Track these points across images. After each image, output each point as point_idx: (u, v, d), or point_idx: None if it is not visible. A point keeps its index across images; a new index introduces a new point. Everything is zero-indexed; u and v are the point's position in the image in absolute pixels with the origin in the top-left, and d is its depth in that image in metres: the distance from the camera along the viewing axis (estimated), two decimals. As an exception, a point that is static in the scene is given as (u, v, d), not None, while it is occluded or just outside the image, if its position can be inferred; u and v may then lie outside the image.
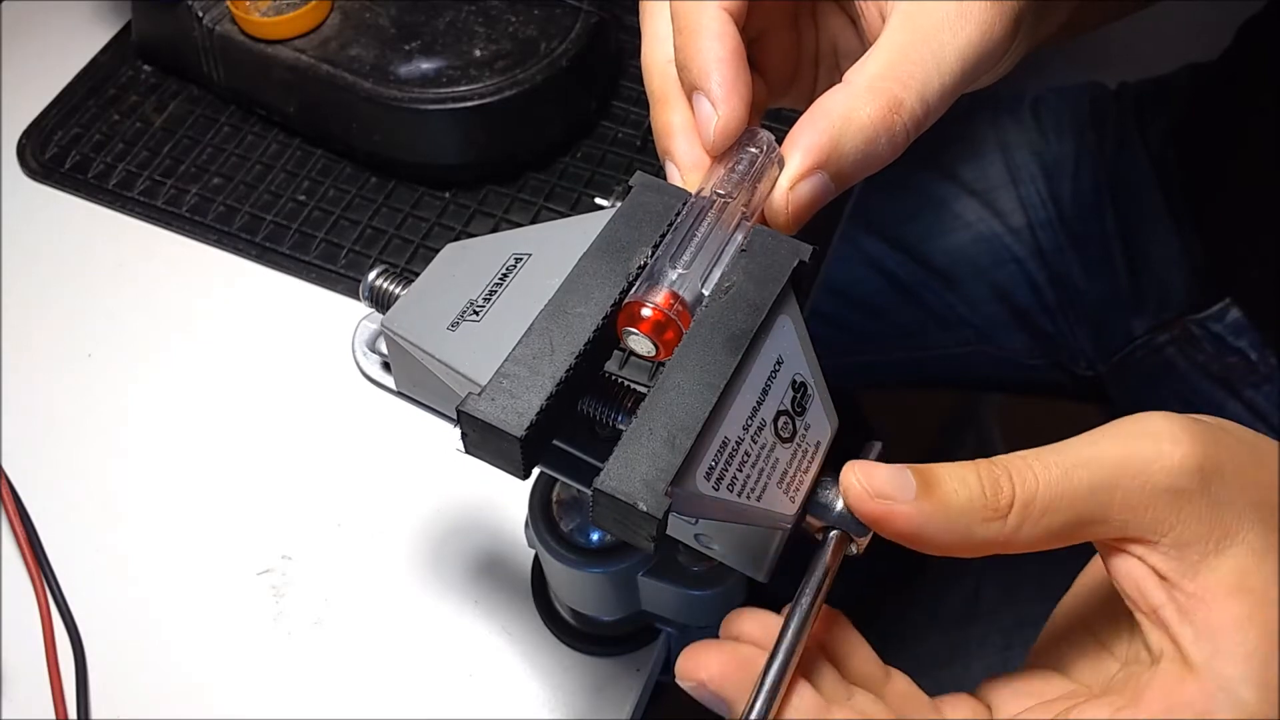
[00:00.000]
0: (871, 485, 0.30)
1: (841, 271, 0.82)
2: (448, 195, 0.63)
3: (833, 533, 0.32)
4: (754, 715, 0.30)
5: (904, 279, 0.82)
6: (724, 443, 0.30)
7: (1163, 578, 0.31)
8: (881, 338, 0.84)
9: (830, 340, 0.85)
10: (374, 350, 0.37)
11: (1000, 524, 0.30)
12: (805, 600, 0.31)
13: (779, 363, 0.32)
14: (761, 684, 0.30)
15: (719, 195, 0.33)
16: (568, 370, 0.30)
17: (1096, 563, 0.37)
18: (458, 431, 0.30)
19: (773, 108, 0.44)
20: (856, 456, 0.32)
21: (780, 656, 0.30)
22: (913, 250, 0.81)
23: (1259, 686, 0.30)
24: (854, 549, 0.32)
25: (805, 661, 0.32)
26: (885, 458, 0.32)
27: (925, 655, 0.69)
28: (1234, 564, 0.31)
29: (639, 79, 0.39)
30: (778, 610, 0.33)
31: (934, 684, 0.76)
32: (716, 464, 0.30)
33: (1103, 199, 0.79)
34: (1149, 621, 0.32)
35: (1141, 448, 0.30)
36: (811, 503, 0.32)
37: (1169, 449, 0.30)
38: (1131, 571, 0.32)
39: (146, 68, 0.68)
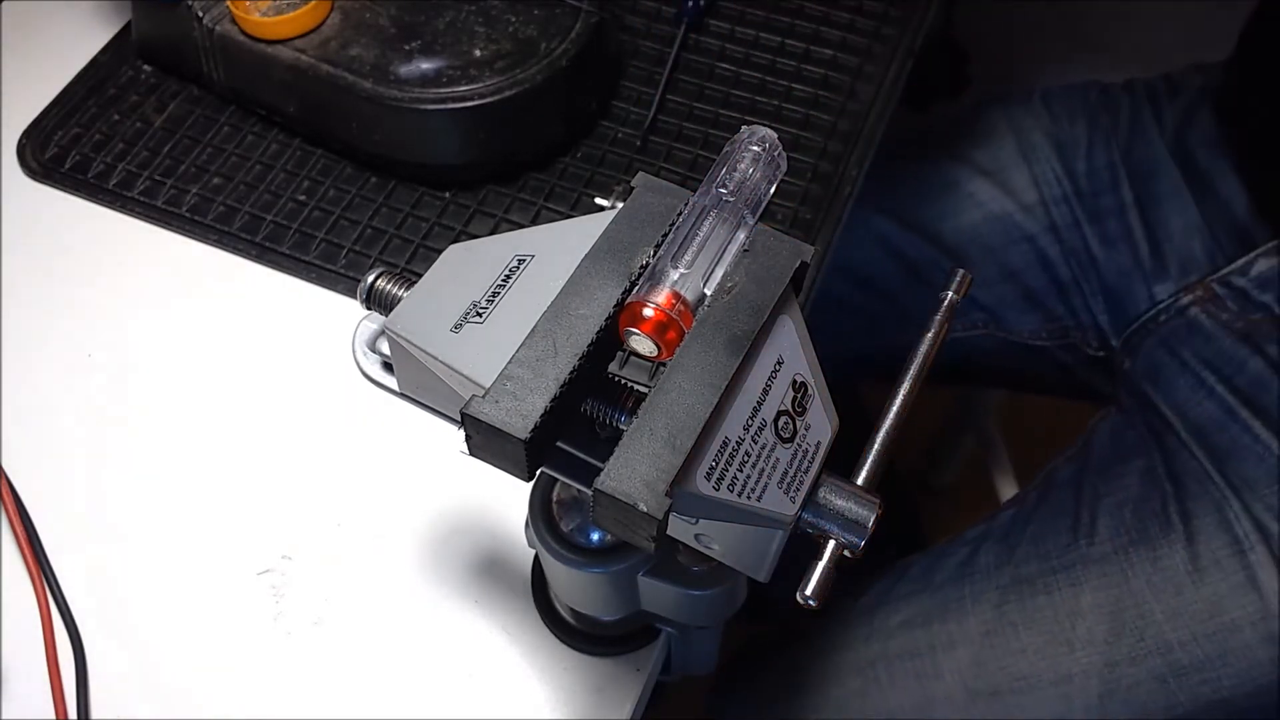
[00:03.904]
0: None
1: (852, 251, 0.82)
2: (448, 195, 0.63)
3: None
4: (863, 477, 0.32)
5: (914, 259, 0.82)
6: (724, 443, 0.30)
7: None
8: (889, 320, 0.84)
9: (838, 324, 0.85)
10: (374, 350, 0.37)
11: None
12: (912, 369, 0.33)
13: (779, 363, 0.32)
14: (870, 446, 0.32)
15: (721, 195, 0.33)
16: (571, 372, 0.30)
17: None
18: (460, 433, 0.30)
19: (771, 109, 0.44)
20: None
21: (888, 421, 0.33)
22: (924, 230, 0.81)
23: None
24: (849, 553, 0.32)
25: None
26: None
27: (917, 616, 0.68)
28: None
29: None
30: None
31: (926, 636, 0.75)
32: (717, 464, 0.30)
33: (1118, 174, 0.79)
34: None
35: None
36: (811, 503, 0.32)
37: None
38: None
39: (146, 68, 0.68)
